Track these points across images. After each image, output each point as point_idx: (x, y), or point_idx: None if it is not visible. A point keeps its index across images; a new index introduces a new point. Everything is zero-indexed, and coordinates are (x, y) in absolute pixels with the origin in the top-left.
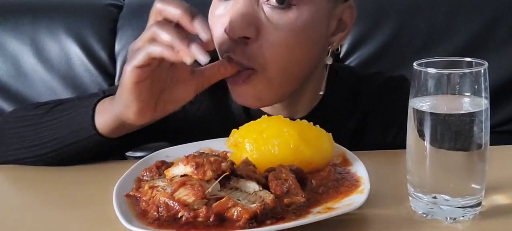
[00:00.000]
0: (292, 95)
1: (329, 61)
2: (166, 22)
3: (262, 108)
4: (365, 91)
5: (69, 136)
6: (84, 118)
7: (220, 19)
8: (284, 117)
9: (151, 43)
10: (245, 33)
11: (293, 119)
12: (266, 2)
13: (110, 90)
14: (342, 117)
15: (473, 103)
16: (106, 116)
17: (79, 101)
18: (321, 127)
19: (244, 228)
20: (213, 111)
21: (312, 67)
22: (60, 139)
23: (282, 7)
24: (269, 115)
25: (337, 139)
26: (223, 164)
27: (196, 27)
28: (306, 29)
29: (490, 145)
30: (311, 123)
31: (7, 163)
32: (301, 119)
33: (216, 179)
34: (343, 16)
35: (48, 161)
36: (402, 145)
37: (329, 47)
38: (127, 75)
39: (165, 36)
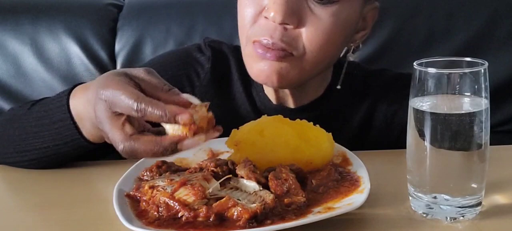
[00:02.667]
0: (300, 87)
1: (351, 58)
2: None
3: (269, 96)
4: (373, 85)
5: (52, 144)
6: (66, 127)
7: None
8: (291, 104)
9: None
10: (288, 20)
11: (298, 108)
12: None
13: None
14: (349, 108)
15: (473, 103)
16: (89, 126)
17: (51, 103)
18: (327, 117)
19: (244, 227)
20: (219, 106)
21: (335, 60)
22: (43, 148)
23: (325, 2)
24: (273, 104)
25: (343, 132)
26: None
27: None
28: (344, 25)
29: (490, 144)
30: (311, 123)
31: (8, 165)
32: (306, 107)
33: (217, 180)
34: (367, 15)
35: (39, 165)
36: (404, 144)
37: (351, 44)
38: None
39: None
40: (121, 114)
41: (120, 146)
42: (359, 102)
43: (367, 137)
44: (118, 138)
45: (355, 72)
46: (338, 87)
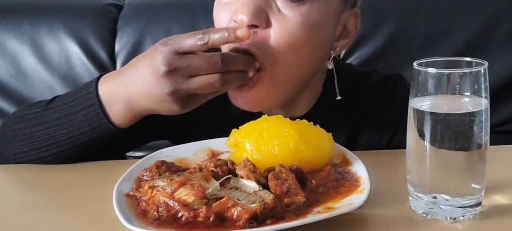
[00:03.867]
0: (291, 98)
1: (330, 66)
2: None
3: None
4: (362, 89)
5: (78, 133)
6: (94, 112)
7: (228, 6)
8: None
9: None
10: (255, 21)
11: (291, 119)
12: None
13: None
14: (340, 116)
15: (473, 103)
16: (119, 108)
17: (77, 94)
18: (319, 126)
19: (244, 228)
20: (211, 108)
21: (314, 71)
22: (68, 139)
23: (294, 0)
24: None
25: (334, 138)
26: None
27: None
28: (315, 27)
29: (490, 145)
30: (311, 123)
31: (20, 163)
32: (299, 118)
33: (216, 180)
34: (348, 23)
35: (64, 158)
36: (398, 146)
37: (332, 52)
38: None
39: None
40: None
41: (213, 59)
42: (349, 108)
43: (358, 143)
44: (206, 56)
45: (345, 76)
46: (339, 98)
